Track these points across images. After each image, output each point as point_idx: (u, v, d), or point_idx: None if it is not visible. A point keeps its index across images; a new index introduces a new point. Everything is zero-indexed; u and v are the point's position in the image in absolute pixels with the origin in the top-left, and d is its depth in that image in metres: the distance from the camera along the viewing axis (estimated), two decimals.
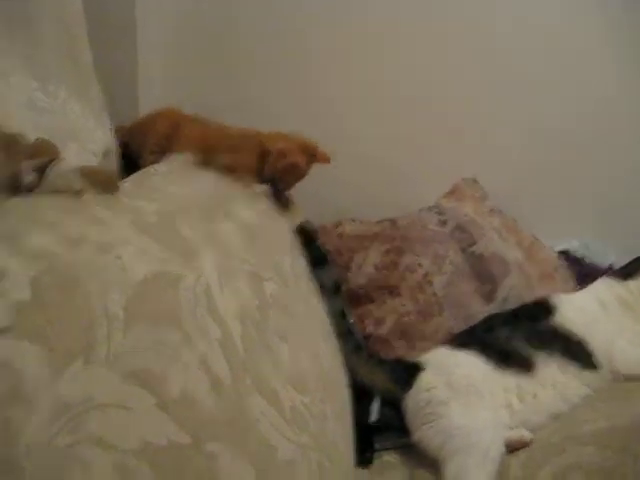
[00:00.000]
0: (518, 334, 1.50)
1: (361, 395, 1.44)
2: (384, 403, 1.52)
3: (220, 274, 1.03)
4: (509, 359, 1.45)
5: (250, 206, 1.31)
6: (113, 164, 1.42)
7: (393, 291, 1.75)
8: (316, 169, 1.72)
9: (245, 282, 1.10)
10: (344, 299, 1.58)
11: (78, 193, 0.96)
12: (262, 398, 0.95)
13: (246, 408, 0.91)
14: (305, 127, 1.85)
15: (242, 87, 2.09)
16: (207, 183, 1.31)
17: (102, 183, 1.03)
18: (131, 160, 1.53)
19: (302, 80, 2.15)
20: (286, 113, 2.02)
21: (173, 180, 1.24)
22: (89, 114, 1.41)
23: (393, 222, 1.88)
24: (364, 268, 1.80)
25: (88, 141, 1.35)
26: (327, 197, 2.08)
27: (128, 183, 1.13)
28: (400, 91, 2.18)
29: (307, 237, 1.49)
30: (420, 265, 1.78)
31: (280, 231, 1.42)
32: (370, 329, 1.71)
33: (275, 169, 1.43)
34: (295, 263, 1.36)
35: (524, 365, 1.45)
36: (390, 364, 1.55)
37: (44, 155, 0.96)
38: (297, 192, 1.54)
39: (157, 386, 0.76)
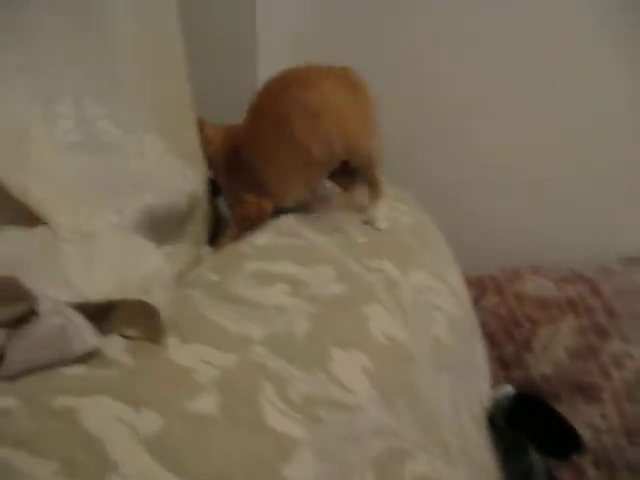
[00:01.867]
0: None
1: None
2: None
3: None
4: None
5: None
6: (199, 221, 0.95)
7: (590, 393, 1.19)
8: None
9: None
10: None
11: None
12: None
13: None
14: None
15: None
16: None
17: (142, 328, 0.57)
18: None
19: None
20: None
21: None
22: (176, 151, 0.95)
23: (593, 286, 1.29)
24: (551, 351, 1.23)
25: (170, 190, 0.89)
26: (497, 235, 1.51)
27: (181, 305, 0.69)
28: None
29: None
30: (631, 357, 1.18)
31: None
32: None
33: None
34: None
35: None
36: None
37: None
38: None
39: None
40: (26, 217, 0.75)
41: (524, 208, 1.56)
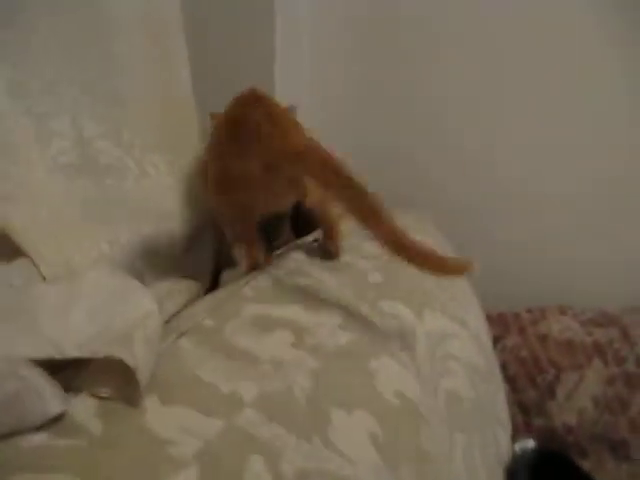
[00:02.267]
0: None
1: None
2: None
3: None
4: None
5: None
6: (203, 252, 0.88)
7: (618, 449, 1.09)
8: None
9: None
10: None
11: None
12: None
13: None
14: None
15: None
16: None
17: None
18: None
19: None
20: None
21: None
22: (180, 173, 0.88)
23: (623, 330, 1.20)
24: (576, 400, 1.14)
25: (171, 217, 0.82)
26: (522, 270, 1.42)
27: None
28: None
29: None
30: None
31: None
32: None
33: None
34: None
35: None
36: None
37: None
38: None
39: None
40: (9, 247, 0.68)
41: (553, 237, 1.45)
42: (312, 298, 0.78)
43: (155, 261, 0.82)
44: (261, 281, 0.80)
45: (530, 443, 1.03)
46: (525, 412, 1.19)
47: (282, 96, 1.30)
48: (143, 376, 0.53)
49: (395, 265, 0.93)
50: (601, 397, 1.15)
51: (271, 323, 0.71)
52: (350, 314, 0.78)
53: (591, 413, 1.14)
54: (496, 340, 1.28)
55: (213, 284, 0.93)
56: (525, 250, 1.47)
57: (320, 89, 1.50)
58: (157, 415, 0.54)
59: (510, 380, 1.23)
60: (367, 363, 0.72)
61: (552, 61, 1.36)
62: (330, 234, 0.90)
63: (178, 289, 0.81)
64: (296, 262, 0.89)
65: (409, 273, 0.93)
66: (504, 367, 1.24)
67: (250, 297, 0.76)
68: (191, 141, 0.98)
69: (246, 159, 0.79)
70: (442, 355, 0.86)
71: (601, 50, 1.32)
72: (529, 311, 1.33)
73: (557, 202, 1.44)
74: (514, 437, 1.06)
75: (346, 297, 0.81)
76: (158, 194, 0.87)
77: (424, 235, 1.07)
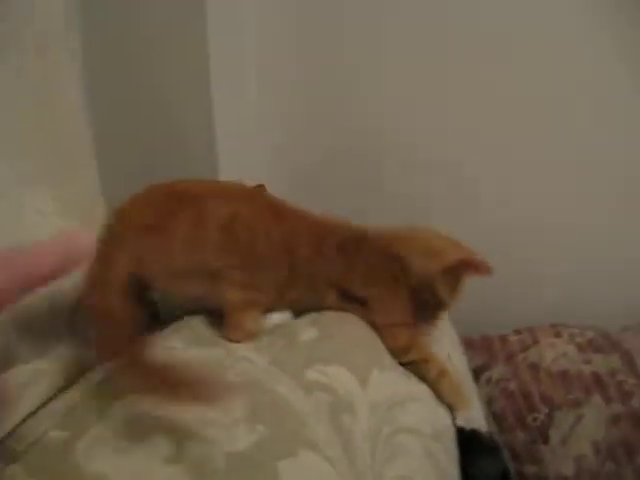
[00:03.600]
0: None
1: None
2: None
3: None
4: None
5: None
6: None
7: None
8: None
9: None
10: None
11: None
12: None
13: None
14: None
15: None
16: None
17: None
18: None
19: None
20: None
21: None
22: (70, 212, 0.71)
23: (627, 356, 1.01)
24: (573, 445, 0.96)
25: None
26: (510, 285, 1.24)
27: None
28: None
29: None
30: None
31: None
32: None
33: None
34: None
35: None
36: None
37: None
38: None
39: None
40: None
41: (543, 254, 1.26)
42: (211, 380, 0.60)
43: (25, 332, 0.65)
44: (158, 358, 0.62)
45: None
46: (515, 458, 1.01)
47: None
48: None
49: (339, 314, 0.75)
50: (602, 442, 0.96)
51: (147, 427, 0.53)
52: (259, 400, 0.59)
53: (591, 461, 0.96)
54: (480, 371, 1.10)
55: None
56: (513, 262, 1.28)
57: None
58: None
59: (497, 418, 1.05)
60: (275, 469, 0.54)
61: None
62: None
63: (52, 370, 0.63)
64: (205, 327, 0.70)
65: (356, 323, 0.75)
66: (489, 403, 1.06)
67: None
68: (87, 171, 0.80)
69: None
70: (391, 431, 0.68)
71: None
72: (518, 332, 1.14)
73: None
74: None
75: (259, 372, 0.63)
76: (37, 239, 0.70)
77: None
